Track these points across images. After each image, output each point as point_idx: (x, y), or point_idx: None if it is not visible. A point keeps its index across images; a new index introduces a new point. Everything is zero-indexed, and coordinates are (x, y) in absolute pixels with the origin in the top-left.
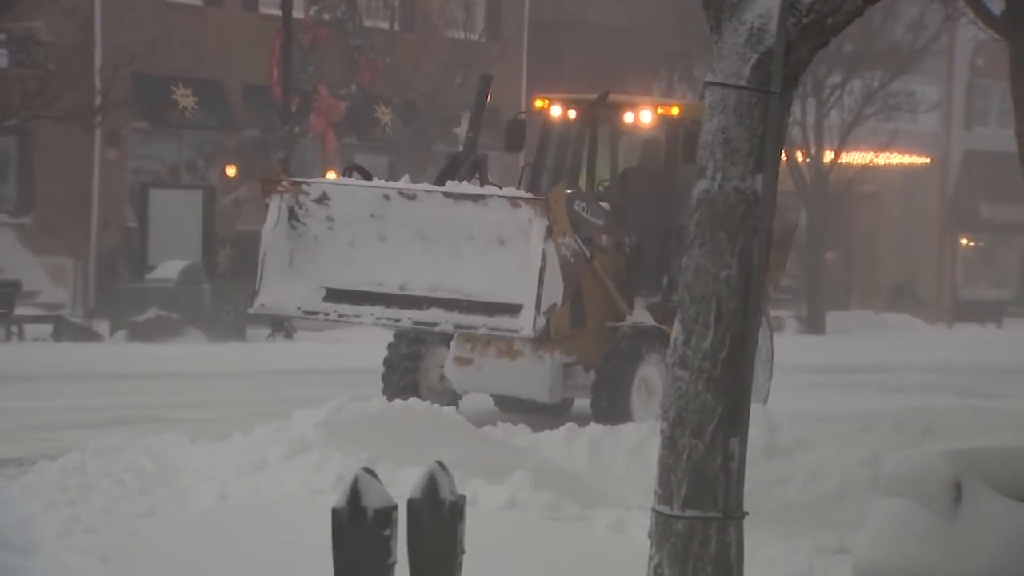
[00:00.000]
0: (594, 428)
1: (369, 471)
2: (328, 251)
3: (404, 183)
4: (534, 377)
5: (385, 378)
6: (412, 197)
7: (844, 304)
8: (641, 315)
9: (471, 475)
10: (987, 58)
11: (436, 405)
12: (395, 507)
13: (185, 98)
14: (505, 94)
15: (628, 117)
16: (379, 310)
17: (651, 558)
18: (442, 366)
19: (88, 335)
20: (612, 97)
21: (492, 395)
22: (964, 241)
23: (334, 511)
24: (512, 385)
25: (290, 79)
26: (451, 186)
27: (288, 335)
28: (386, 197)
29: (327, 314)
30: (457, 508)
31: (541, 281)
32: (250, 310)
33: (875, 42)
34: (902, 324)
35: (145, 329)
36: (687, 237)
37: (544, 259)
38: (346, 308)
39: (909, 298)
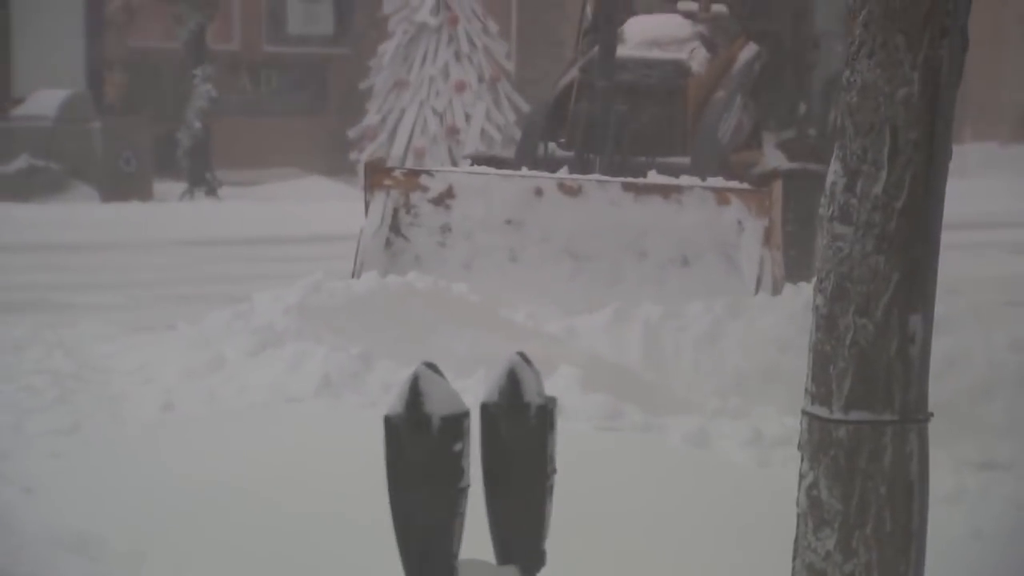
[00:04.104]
0: (649, 309)
1: (431, 366)
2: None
3: (564, 173)
4: None
5: None
6: (575, 192)
7: (957, 136)
8: (772, 155)
9: None
10: None
11: (444, 282)
12: (467, 413)
13: None
14: None
15: None
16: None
17: (802, 477)
18: None
19: None
20: None
21: None
22: None
23: (387, 419)
24: None
25: None
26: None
27: (211, 190)
28: (538, 192)
29: None
30: (547, 414)
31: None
32: None
33: None
34: None
35: (15, 184)
36: (849, 46)
37: (761, 269)
38: None
39: None
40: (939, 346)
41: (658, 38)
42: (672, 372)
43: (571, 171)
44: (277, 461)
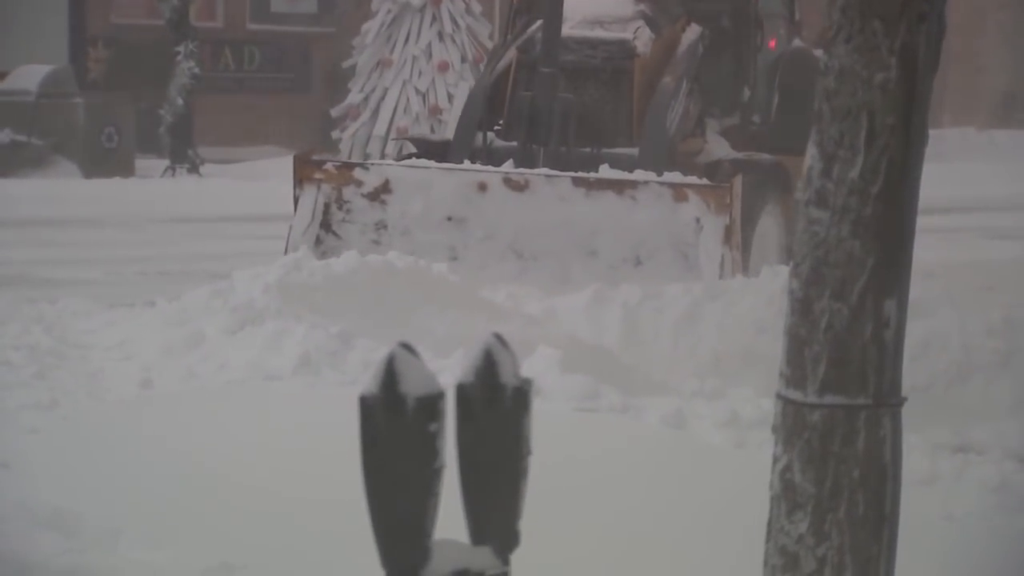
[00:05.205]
0: (628, 291)
1: (407, 347)
2: None
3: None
4: None
5: None
6: (522, 187)
7: (935, 121)
8: (716, 143)
9: None
10: None
11: (423, 261)
12: (443, 394)
13: None
14: None
15: None
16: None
17: (776, 460)
18: None
19: None
20: None
21: None
22: None
23: (363, 399)
24: None
25: None
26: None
27: (193, 168)
28: (482, 187)
29: None
30: (522, 396)
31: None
32: None
33: None
34: (1017, 145)
35: None
36: (827, 30)
37: (722, 270)
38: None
39: None
40: (915, 330)
41: (600, 17)
42: (650, 353)
43: (515, 164)
44: (255, 439)
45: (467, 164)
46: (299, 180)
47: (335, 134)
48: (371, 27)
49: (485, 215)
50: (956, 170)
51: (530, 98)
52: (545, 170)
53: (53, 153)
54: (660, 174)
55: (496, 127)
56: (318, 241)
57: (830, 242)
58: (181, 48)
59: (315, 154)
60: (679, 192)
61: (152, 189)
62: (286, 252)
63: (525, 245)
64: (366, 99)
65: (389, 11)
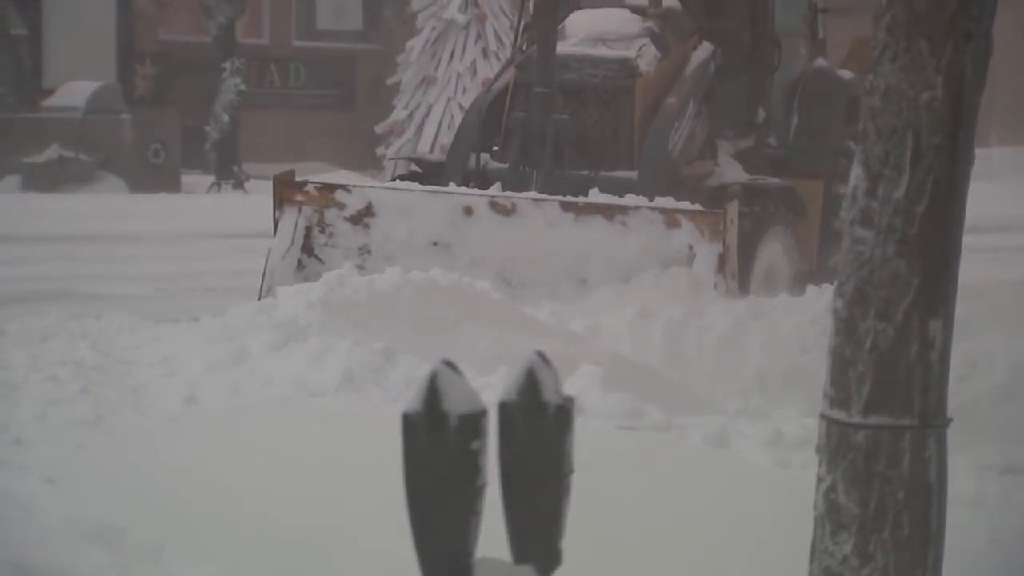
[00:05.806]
0: (671, 310)
1: (450, 364)
2: None
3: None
4: None
5: None
6: (509, 211)
7: (983, 139)
8: (728, 166)
9: None
10: None
11: (467, 279)
12: (485, 412)
13: None
14: None
15: None
16: None
17: (820, 480)
18: None
19: None
20: None
21: None
22: None
23: (406, 417)
24: None
25: None
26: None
27: (239, 184)
28: (468, 211)
29: None
30: (565, 414)
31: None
32: None
33: None
34: None
35: (44, 174)
36: (873, 49)
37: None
38: None
39: None
40: (961, 350)
41: (604, 34)
42: (694, 372)
43: (505, 187)
44: (299, 455)
45: (453, 187)
46: (279, 202)
47: (379, 150)
48: (416, 44)
49: (471, 240)
50: (1004, 189)
51: (523, 119)
52: (532, 194)
53: (100, 169)
54: (652, 199)
55: (494, 148)
56: (300, 266)
57: (875, 262)
58: (227, 65)
59: (295, 174)
60: (671, 218)
61: (197, 205)
62: (263, 278)
63: (513, 271)
64: (410, 116)
65: (434, 28)
